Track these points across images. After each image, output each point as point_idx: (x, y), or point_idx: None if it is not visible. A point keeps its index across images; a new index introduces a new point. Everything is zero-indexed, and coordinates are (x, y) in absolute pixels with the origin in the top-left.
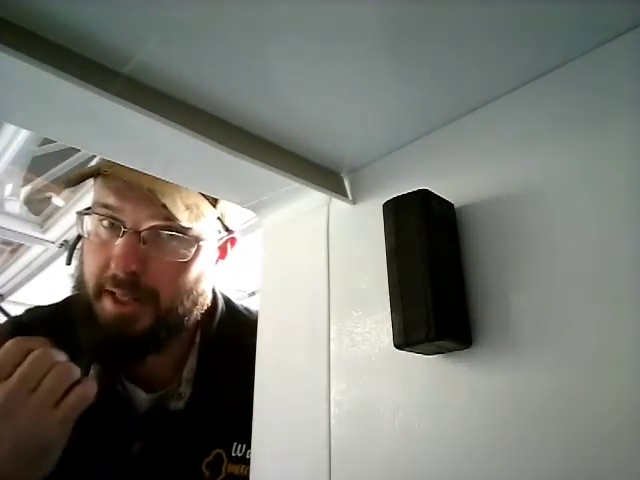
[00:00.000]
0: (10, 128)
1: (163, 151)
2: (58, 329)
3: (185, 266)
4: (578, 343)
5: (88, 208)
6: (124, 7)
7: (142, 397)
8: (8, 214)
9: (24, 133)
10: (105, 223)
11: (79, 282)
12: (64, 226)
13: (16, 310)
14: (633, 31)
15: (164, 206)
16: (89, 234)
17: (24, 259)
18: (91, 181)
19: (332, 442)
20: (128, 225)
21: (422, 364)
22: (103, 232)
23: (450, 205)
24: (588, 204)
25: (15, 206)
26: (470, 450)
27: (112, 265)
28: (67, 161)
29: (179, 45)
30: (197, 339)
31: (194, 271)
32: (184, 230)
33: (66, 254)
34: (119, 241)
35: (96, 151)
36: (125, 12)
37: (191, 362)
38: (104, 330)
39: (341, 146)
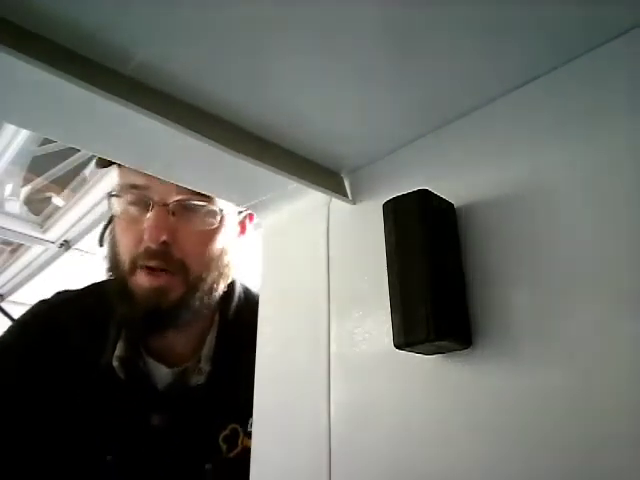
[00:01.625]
0: (10, 128)
1: (163, 151)
2: (87, 308)
3: (211, 235)
4: (578, 343)
5: (117, 190)
6: (125, 7)
7: (164, 372)
8: (8, 214)
9: (24, 133)
10: (134, 202)
11: (114, 262)
12: (64, 226)
13: (16, 310)
14: (633, 31)
15: None
16: (119, 214)
17: (24, 259)
18: (94, 178)
19: (332, 442)
20: (156, 200)
21: (422, 364)
22: (133, 210)
23: (450, 205)
24: (588, 204)
25: (15, 206)
26: (470, 450)
27: (144, 238)
28: (67, 161)
29: (180, 45)
30: (216, 319)
31: (219, 241)
32: (208, 200)
33: (99, 237)
34: (149, 215)
35: (96, 151)
36: (126, 12)
37: (210, 341)
38: (140, 303)
39: (341, 146)
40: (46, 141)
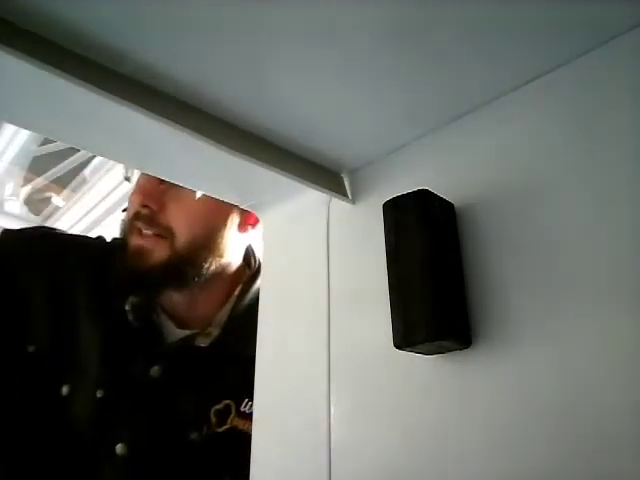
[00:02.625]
0: (10, 128)
1: (163, 151)
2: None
3: (201, 212)
4: (578, 343)
5: None
6: (124, 7)
7: (172, 329)
8: (8, 214)
9: (24, 133)
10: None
11: (124, 224)
12: (64, 226)
13: None
14: (633, 31)
15: None
16: (133, 182)
17: None
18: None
19: (332, 442)
20: None
21: (422, 364)
22: (141, 178)
23: (450, 205)
24: (588, 203)
25: (15, 206)
26: (470, 450)
27: (135, 202)
28: (67, 161)
29: (179, 45)
30: (236, 293)
31: (209, 218)
32: None
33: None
34: (140, 179)
35: (96, 151)
36: (125, 12)
37: (226, 309)
38: (128, 261)
39: (341, 146)
40: (46, 141)
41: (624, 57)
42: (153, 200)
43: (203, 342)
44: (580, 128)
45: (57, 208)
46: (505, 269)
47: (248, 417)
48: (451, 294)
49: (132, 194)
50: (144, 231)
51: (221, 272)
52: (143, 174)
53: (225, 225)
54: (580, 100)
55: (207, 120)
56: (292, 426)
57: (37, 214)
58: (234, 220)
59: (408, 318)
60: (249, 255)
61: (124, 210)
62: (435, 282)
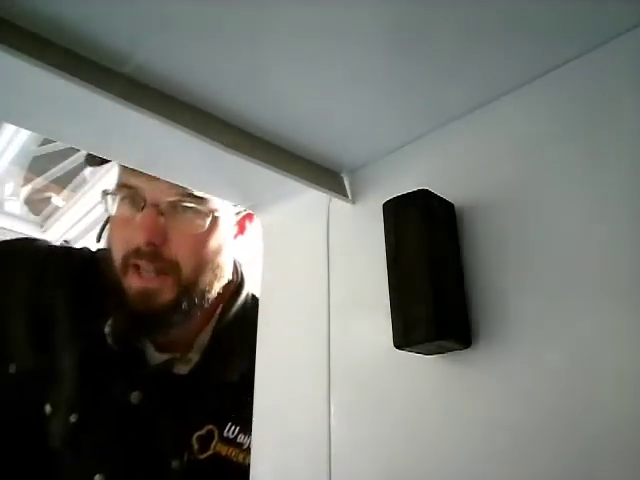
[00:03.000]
0: (10, 128)
1: (163, 151)
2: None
3: (203, 238)
4: (578, 343)
5: (113, 188)
6: (124, 7)
7: (152, 353)
8: (8, 214)
9: (24, 133)
10: (127, 200)
11: (108, 260)
12: (64, 226)
13: None
14: (633, 31)
15: None
16: (114, 213)
17: None
18: (94, 178)
19: (332, 442)
20: (148, 200)
21: (422, 364)
22: (126, 208)
23: (450, 205)
24: (588, 203)
25: (15, 206)
26: (470, 450)
27: (135, 237)
28: (67, 161)
29: (179, 45)
30: (217, 312)
31: (212, 243)
32: (199, 202)
33: (97, 232)
34: (140, 214)
35: (96, 151)
36: (125, 12)
37: (207, 331)
38: (131, 304)
39: (341, 146)
40: (46, 141)
41: (624, 57)
42: (157, 235)
43: (182, 370)
44: (580, 128)
45: (57, 208)
46: (505, 269)
47: (232, 443)
48: (451, 294)
49: (123, 228)
50: (144, 268)
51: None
52: (135, 208)
53: (225, 242)
54: (580, 100)
55: (207, 120)
56: (292, 426)
57: (37, 214)
58: (233, 233)
59: (408, 318)
60: (234, 267)
61: (98, 240)
62: (435, 282)
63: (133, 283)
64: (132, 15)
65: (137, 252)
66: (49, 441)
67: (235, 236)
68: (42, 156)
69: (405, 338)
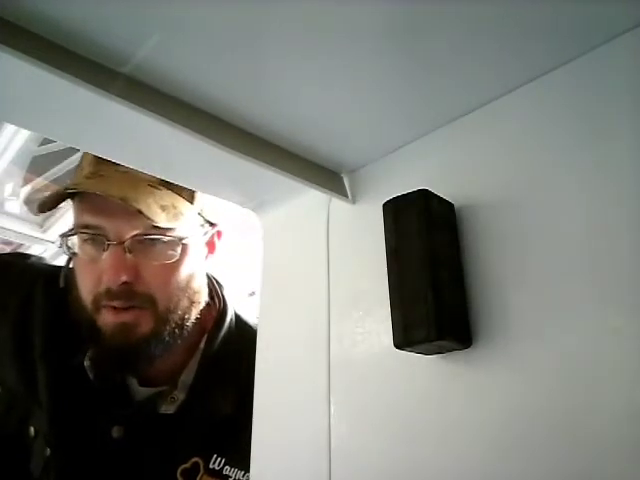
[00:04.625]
0: (10, 128)
1: (163, 151)
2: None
3: (175, 266)
4: (578, 343)
5: (71, 229)
6: (124, 7)
7: (136, 388)
8: (8, 214)
9: (24, 133)
10: (89, 241)
11: (77, 302)
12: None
13: None
14: (633, 31)
15: (140, 212)
16: (76, 254)
17: None
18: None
19: (332, 442)
20: (111, 238)
21: (422, 364)
22: (89, 249)
23: (450, 205)
24: (588, 203)
25: (15, 206)
26: (470, 450)
27: (104, 279)
28: (67, 161)
29: (179, 45)
30: (202, 345)
31: (185, 270)
32: (165, 232)
33: (61, 276)
34: (105, 255)
35: (96, 151)
36: (125, 12)
37: (191, 366)
38: (107, 340)
39: (341, 146)
40: (46, 141)
41: (624, 57)
42: (128, 274)
43: (169, 409)
44: (580, 128)
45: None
46: (505, 269)
47: (218, 475)
48: (451, 294)
49: (89, 270)
50: (119, 307)
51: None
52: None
53: (197, 266)
54: (580, 100)
55: (207, 120)
56: (292, 426)
57: (37, 214)
58: (204, 254)
59: (408, 318)
60: (212, 288)
61: (62, 285)
62: (435, 282)
63: (108, 320)
64: (132, 15)
65: (108, 293)
66: (31, 466)
67: (206, 257)
68: (42, 156)
69: (405, 338)
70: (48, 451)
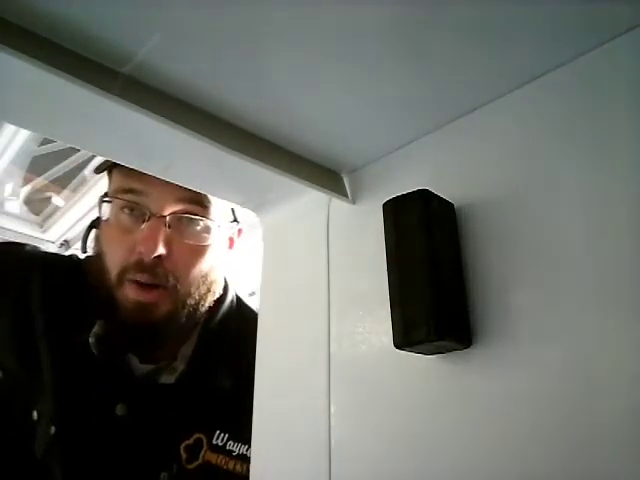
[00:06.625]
0: (10, 128)
1: (163, 151)
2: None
3: (203, 251)
4: (578, 343)
5: (108, 195)
6: (124, 7)
7: (136, 364)
8: (8, 214)
9: (24, 133)
10: (127, 210)
11: (99, 273)
12: (64, 226)
13: None
14: (633, 31)
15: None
16: (109, 221)
17: None
18: (94, 178)
19: (332, 442)
20: (153, 210)
21: (422, 364)
22: (125, 219)
23: (450, 205)
24: (588, 203)
25: (15, 206)
26: (470, 450)
27: (138, 250)
28: (67, 161)
29: (179, 45)
30: (202, 320)
31: (210, 257)
32: (205, 214)
33: (81, 243)
34: (145, 225)
35: (96, 151)
36: (125, 12)
37: (192, 340)
38: (124, 315)
39: (341, 146)
40: (46, 141)
41: (624, 57)
42: (165, 247)
43: (169, 379)
44: (580, 128)
45: (57, 208)
46: (505, 269)
47: (221, 450)
48: (451, 294)
49: (122, 238)
50: (144, 282)
51: None
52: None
53: (220, 256)
54: (580, 100)
55: (207, 120)
56: (292, 426)
57: (37, 214)
58: (226, 248)
59: (408, 318)
60: (225, 285)
61: (84, 251)
62: (435, 282)
63: (130, 295)
64: (133, 15)
65: (138, 265)
66: (34, 449)
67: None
68: (42, 156)
69: (405, 338)
70: (53, 430)
